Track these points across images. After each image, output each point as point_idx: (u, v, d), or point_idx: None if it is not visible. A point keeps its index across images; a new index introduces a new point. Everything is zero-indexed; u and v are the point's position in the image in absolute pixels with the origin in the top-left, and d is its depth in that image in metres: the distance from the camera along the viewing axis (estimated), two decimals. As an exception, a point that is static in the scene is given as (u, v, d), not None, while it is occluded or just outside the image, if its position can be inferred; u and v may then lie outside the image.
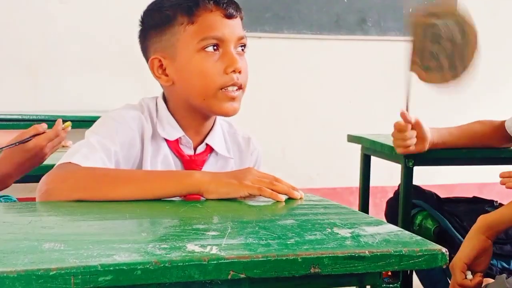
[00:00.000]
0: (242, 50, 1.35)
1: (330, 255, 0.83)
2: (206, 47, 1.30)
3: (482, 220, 1.59)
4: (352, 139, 2.65)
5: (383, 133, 2.67)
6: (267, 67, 3.87)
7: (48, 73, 3.53)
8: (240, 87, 1.33)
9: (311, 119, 3.96)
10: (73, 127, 3.36)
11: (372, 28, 3.97)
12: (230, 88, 1.31)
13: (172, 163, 1.35)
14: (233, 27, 1.33)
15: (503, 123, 2.05)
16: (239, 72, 1.31)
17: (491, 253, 1.57)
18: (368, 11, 3.95)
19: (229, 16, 1.32)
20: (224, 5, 1.32)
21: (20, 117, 3.16)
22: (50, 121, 3.16)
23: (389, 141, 2.40)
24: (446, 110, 4.02)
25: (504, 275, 1.57)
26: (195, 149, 1.38)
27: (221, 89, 1.31)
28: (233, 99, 1.32)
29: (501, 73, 4.23)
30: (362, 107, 4.00)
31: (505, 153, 2.06)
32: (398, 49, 4.06)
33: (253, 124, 3.74)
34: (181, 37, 1.31)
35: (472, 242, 1.56)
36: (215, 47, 1.31)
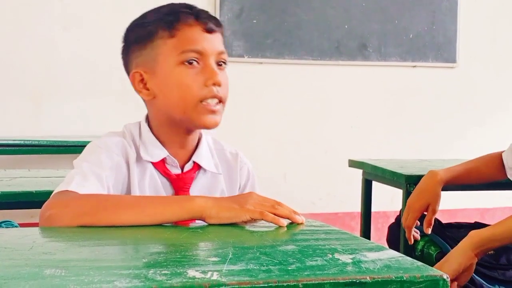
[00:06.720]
0: (222, 65, 1.37)
1: (331, 281, 0.83)
2: (186, 61, 1.32)
3: (475, 237, 1.61)
4: (353, 164, 2.65)
5: (384, 158, 2.68)
6: (268, 93, 3.88)
7: (51, 99, 3.55)
8: (220, 101, 1.34)
9: (313, 144, 3.97)
10: (75, 152, 3.38)
11: (373, 54, 4.00)
12: (210, 101, 1.33)
13: (159, 184, 1.35)
14: (213, 41, 1.35)
15: (500, 155, 1.99)
16: (219, 85, 1.33)
17: (473, 268, 1.61)
18: (369, 37, 3.98)
19: (209, 31, 1.34)
20: (204, 19, 1.34)
21: (22, 142, 3.17)
22: (52, 146, 3.21)
23: (390, 166, 2.40)
24: (448, 134, 4.03)
25: None
26: (182, 168, 1.38)
27: (201, 102, 1.32)
28: (213, 112, 1.33)
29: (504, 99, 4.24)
30: (363, 132, 4.01)
31: (507, 178, 2.05)
32: (398, 74, 4.10)
33: (254, 149, 3.76)
34: (162, 50, 1.34)
35: (459, 258, 1.59)
36: (195, 61, 1.33)
